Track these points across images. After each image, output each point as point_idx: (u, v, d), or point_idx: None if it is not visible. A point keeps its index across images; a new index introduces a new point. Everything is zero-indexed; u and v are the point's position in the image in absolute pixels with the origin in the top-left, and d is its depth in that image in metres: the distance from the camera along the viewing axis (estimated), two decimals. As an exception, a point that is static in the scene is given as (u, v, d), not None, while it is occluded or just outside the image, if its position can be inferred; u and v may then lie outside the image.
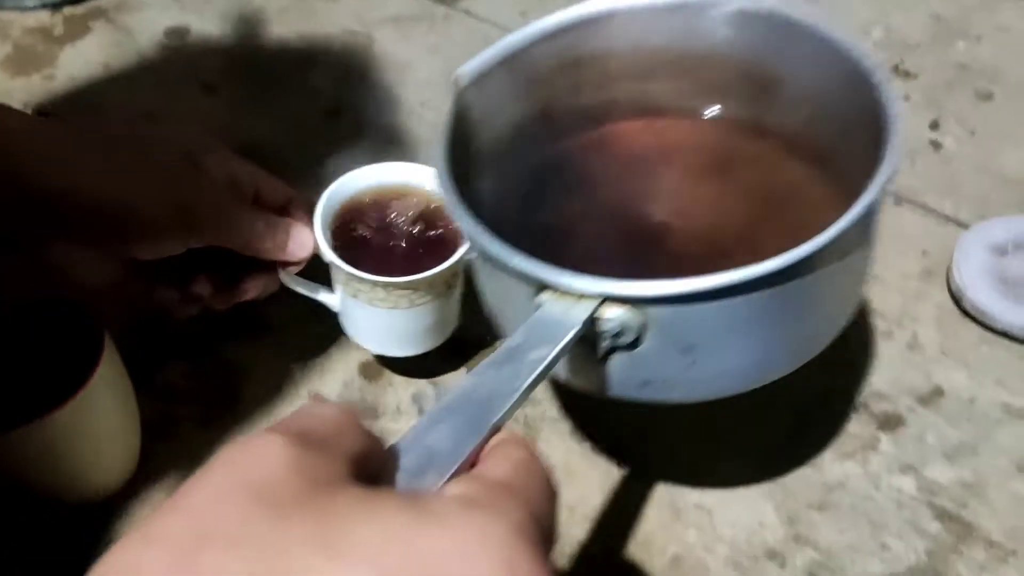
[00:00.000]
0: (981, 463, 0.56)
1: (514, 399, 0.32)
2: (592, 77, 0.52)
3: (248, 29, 0.86)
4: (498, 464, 0.29)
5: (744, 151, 0.52)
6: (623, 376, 0.41)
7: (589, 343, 0.39)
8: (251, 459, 0.26)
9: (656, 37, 0.52)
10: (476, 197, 0.45)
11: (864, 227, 0.41)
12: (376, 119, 0.78)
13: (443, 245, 0.54)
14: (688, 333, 0.39)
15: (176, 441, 0.57)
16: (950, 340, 0.62)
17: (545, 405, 0.59)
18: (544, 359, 0.35)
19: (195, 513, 0.25)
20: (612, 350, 0.40)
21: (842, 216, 0.38)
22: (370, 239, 0.56)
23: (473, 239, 0.42)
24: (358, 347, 0.60)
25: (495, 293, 0.45)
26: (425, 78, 0.81)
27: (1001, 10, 0.86)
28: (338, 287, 0.56)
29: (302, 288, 0.57)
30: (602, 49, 0.52)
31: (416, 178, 0.57)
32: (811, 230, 0.38)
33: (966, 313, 0.63)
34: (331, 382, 0.61)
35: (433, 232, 0.56)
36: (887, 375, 0.60)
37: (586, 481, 0.55)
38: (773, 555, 0.52)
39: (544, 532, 0.27)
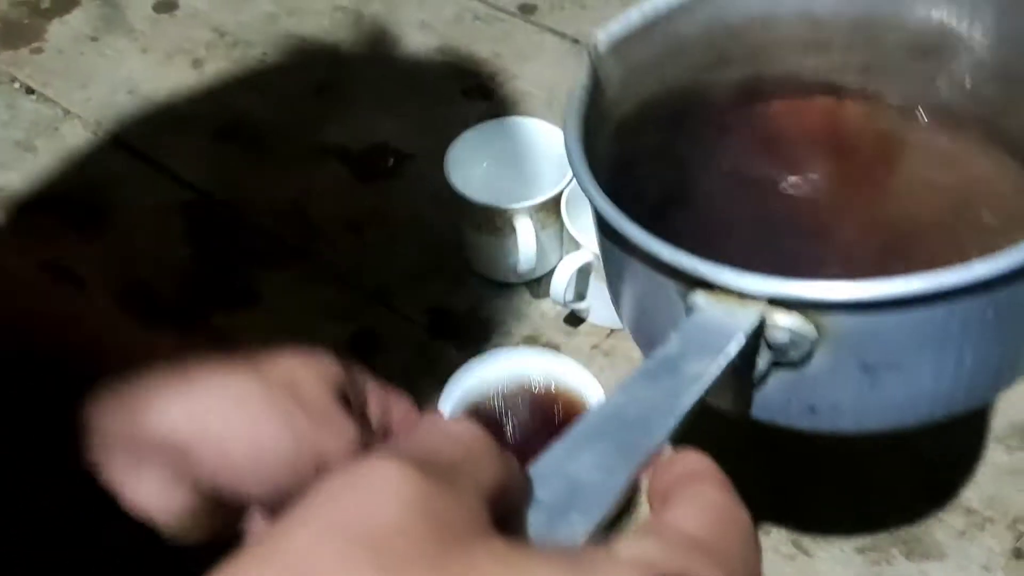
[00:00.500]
0: (963, 435, 0.57)
1: (675, 420, 0.27)
2: (747, 47, 0.45)
3: (237, 4, 0.86)
4: (688, 513, 0.22)
5: (923, 138, 0.45)
6: (783, 398, 0.34)
7: (746, 356, 0.32)
8: (363, 496, 0.20)
9: (826, 2, 0.44)
10: (610, 183, 0.37)
11: None
12: (365, 94, 0.78)
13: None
14: (874, 349, 0.32)
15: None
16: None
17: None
18: (707, 373, 0.29)
19: (290, 569, 0.19)
20: (774, 365, 0.33)
21: None
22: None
23: (612, 225, 0.35)
24: (347, 319, 0.60)
25: (635, 292, 0.38)
26: (412, 54, 0.81)
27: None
28: None
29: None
30: (760, 14, 0.44)
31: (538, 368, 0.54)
32: (1012, 233, 0.32)
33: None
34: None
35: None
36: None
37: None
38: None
39: None
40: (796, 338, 0.31)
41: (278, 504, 0.35)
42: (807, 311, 0.31)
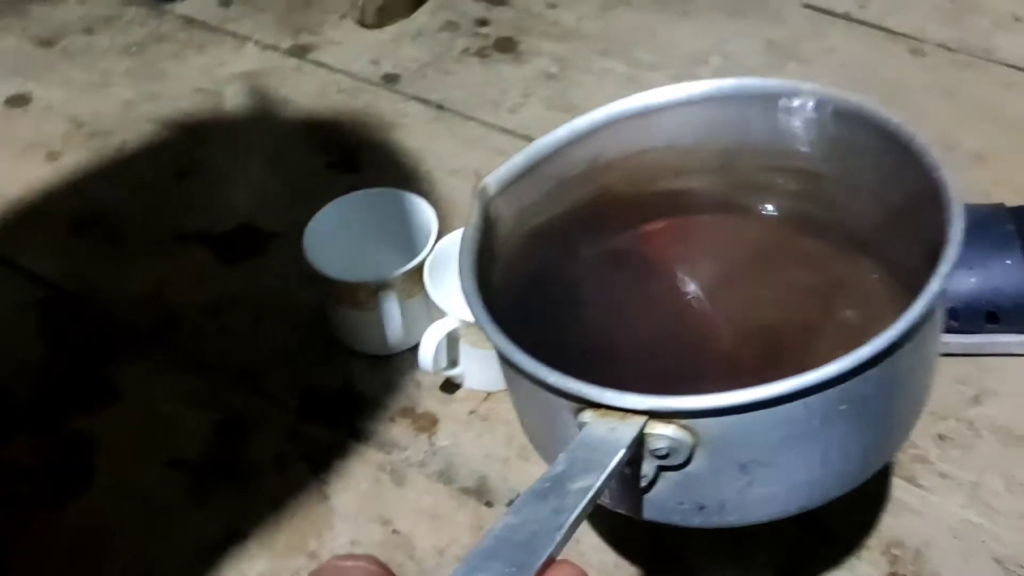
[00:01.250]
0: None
1: (559, 537, 0.29)
2: (624, 177, 0.49)
3: (93, 93, 0.84)
4: None
5: (791, 246, 0.48)
6: (672, 500, 0.38)
7: (634, 464, 0.36)
8: None
9: (691, 132, 0.48)
10: (502, 311, 0.41)
11: (929, 320, 0.37)
12: (228, 177, 0.77)
13: None
14: (745, 449, 0.36)
15: (25, 522, 0.55)
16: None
17: (410, 451, 0.58)
18: (590, 488, 0.31)
19: None
20: (660, 471, 0.36)
21: (905, 310, 0.35)
22: None
23: (507, 357, 0.38)
24: (213, 407, 0.58)
25: (532, 414, 0.42)
26: (275, 131, 0.81)
27: (829, 34, 0.91)
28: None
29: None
30: (634, 148, 0.48)
31: None
32: (871, 327, 0.35)
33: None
34: (188, 445, 0.59)
35: None
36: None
37: (453, 523, 0.55)
38: None
39: None
40: (675, 444, 0.35)
41: None
42: (680, 420, 0.35)
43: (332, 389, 0.62)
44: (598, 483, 0.32)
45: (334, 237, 0.63)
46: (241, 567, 0.52)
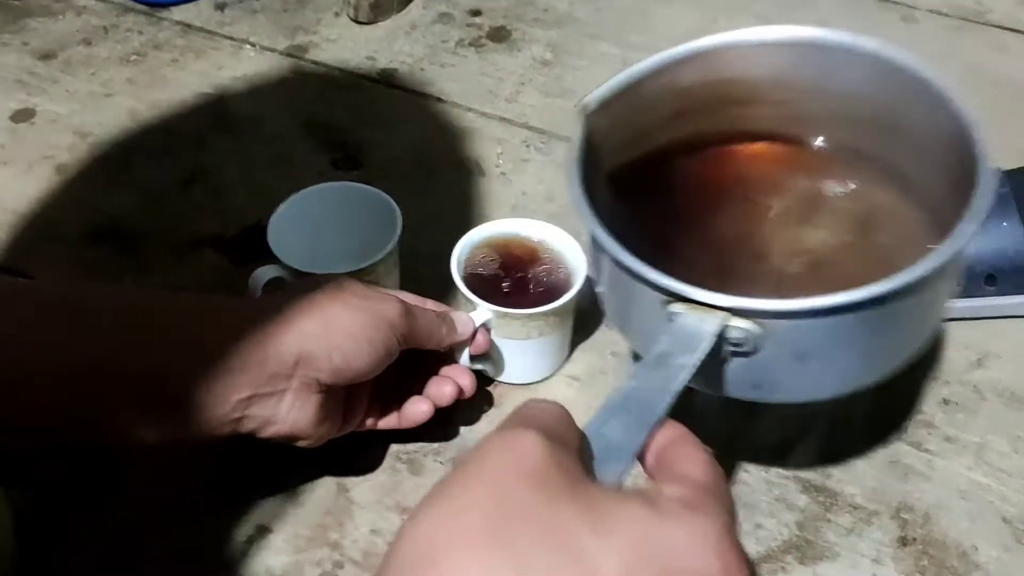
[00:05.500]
0: (840, 432, 0.59)
1: (670, 399, 0.39)
2: (704, 103, 0.57)
3: (96, 104, 0.86)
4: (694, 466, 0.34)
5: (836, 174, 0.56)
6: (738, 378, 0.47)
7: (713, 349, 0.44)
8: (520, 451, 0.32)
9: (765, 68, 0.56)
10: (607, 218, 0.48)
11: (952, 264, 0.45)
12: (233, 179, 0.78)
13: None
14: (801, 343, 0.44)
15: (60, 524, 0.56)
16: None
17: (425, 440, 0.60)
18: (689, 364, 0.41)
19: (493, 491, 0.31)
20: (732, 355, 0.45)
21: (933, 248, 0.43)
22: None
23: (610, 253, 0.46)
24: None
25: (623, 303, 0.50)
26: (277, 132, 0.82)
27: (819, 5, 0.91)
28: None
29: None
30: (713, 78, 0.56)
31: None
32: (903, 256, 0.43)
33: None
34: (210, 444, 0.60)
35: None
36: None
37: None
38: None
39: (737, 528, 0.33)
40: (748, 336, 0.43)
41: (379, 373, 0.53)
42: (755, 318, 0.43)
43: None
44: (694, 361, 0.41)
45: (295, 232, 0.63)
46: (268, 562, 0.54)
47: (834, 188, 0.56)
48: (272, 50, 0.90)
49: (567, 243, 0.62)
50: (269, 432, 0.51)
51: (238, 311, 0.51)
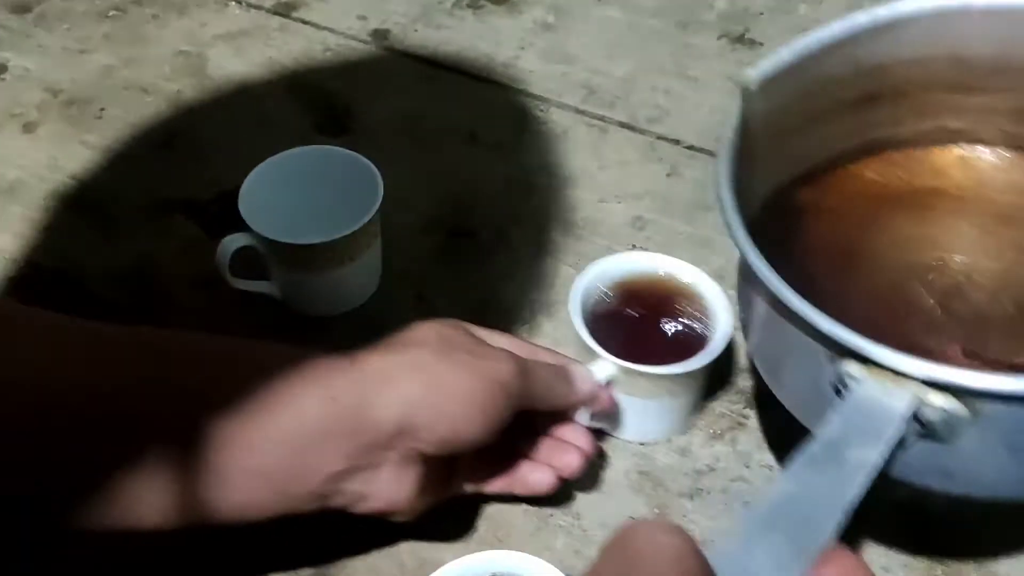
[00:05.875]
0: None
1: (842, 514, 0.28)
2: (894, 88, 0.43)
3: (70, 60, 0.81)
4: None
5: None
6: (924, 464, 0.35)
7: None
8: (656, 555, 0.27)
9: (982, 44, 0.42)
10: (754, 224, 0.38)
11: None
12: (212, 142, 0.73)
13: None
14: (1021, 433, 0.33)
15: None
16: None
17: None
18: (870, 462, 0.30)
19: None
20: (921, 437, 0.34)
21: None
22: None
23: (769, 289, 0.35)
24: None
25: (784, 360, 0.39)
26: (260, 94, 0.77)
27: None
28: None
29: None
30: (913, 55, 0.42)
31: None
32: None
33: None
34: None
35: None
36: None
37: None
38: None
39: None
40: (949, 419, 0.32)
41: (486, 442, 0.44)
42: (963, 396, 0.32)
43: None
44: (878, 457, 0.30)
45: (269, 199, 0.59)
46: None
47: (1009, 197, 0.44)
48: (259, 8, 0.85)
49: (707, 285, 0.53)
50: (362, 508, 0.44)
51: (331, 369, 0.43)
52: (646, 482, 0.53)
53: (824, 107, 0.43)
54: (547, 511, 0.52)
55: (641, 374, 0.50)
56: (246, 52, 0.81)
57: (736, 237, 0.36)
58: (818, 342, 0.34)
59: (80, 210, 0.69)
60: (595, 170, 0.70)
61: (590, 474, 0.52)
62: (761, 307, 0.38)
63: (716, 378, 0.56)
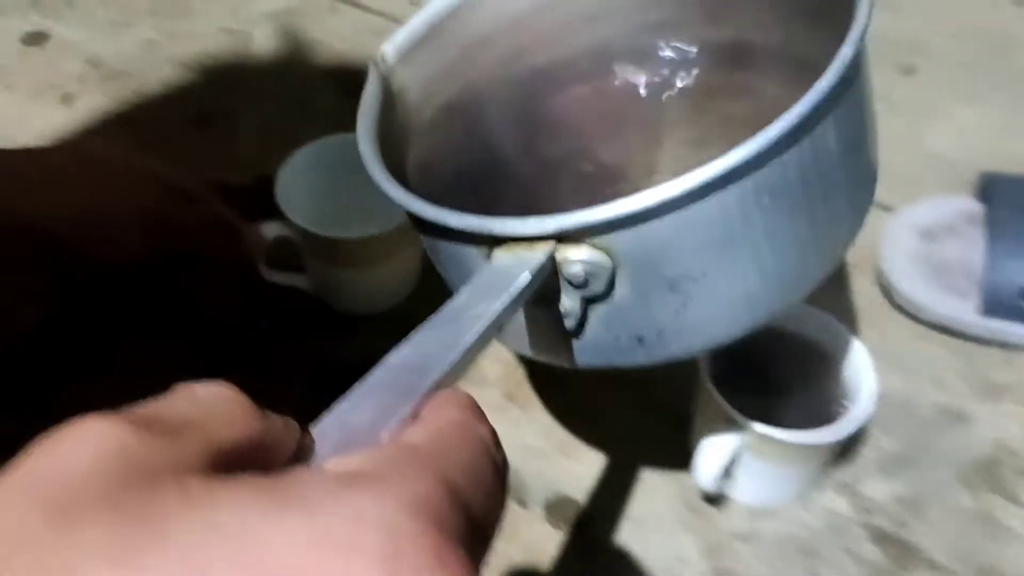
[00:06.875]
0: (920, 476, 0.50)
1: (453, 359, 0.25)
2: (535, 38, 0.44)
3: (113, 32, 0.78)
4: (417, 428, 0.22)
5: (711, 77, 0.44)
6: (606, 337, 0.34)
7: (555, 303, 0.33)
8: (60, 453, 0.19)
9: None
10: (419, 182, 0.38)
11: (851, 87, 0.33)
12: (251, 124, 0.70)
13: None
14: (669, 263, 0.32)
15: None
16: (880, 337, 0.56)
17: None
18: (490, 312, 0.28)
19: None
20: (586, 306, 0.33)
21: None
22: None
23: (410, 210, 0.34)
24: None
25: (452, 270, 0.37)
26: (306, 76, 0.74)
27: (923, -21, 0.81)
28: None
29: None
30: (541, 3, 0.44)
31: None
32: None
33: (896, 306, 0.57)
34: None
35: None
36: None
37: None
38: (692, 594, 0.46)
39: (467, 513, 0.20)
40: (591, 268, 0.31)
41: None
42: (592, 239, 0.31)
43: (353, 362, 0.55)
44: (498, 306, 0.28)
45: (307, 187, 0.56)
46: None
47: (715, 92, 0.43)
48: (310, -13, 0.82)
49: (846, 345, 0.48)
50: None
51: None
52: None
53: (481, 64, 0.43)
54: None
55: (776, 441, 0.44)
56: (292, 32, 0.78)
57: (380, 183, 0.35)
58: (461, 242, 0.33)
59: (111, 188, 0.66)
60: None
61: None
62: (425, 243, 0.37)
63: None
